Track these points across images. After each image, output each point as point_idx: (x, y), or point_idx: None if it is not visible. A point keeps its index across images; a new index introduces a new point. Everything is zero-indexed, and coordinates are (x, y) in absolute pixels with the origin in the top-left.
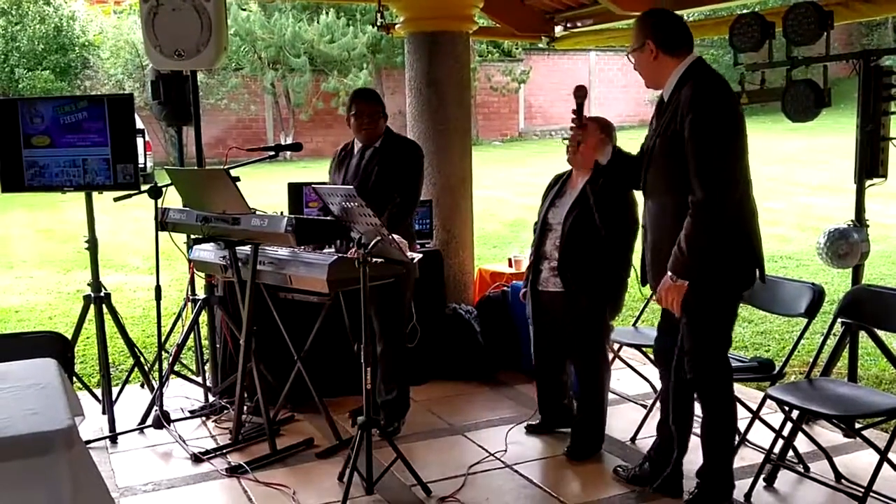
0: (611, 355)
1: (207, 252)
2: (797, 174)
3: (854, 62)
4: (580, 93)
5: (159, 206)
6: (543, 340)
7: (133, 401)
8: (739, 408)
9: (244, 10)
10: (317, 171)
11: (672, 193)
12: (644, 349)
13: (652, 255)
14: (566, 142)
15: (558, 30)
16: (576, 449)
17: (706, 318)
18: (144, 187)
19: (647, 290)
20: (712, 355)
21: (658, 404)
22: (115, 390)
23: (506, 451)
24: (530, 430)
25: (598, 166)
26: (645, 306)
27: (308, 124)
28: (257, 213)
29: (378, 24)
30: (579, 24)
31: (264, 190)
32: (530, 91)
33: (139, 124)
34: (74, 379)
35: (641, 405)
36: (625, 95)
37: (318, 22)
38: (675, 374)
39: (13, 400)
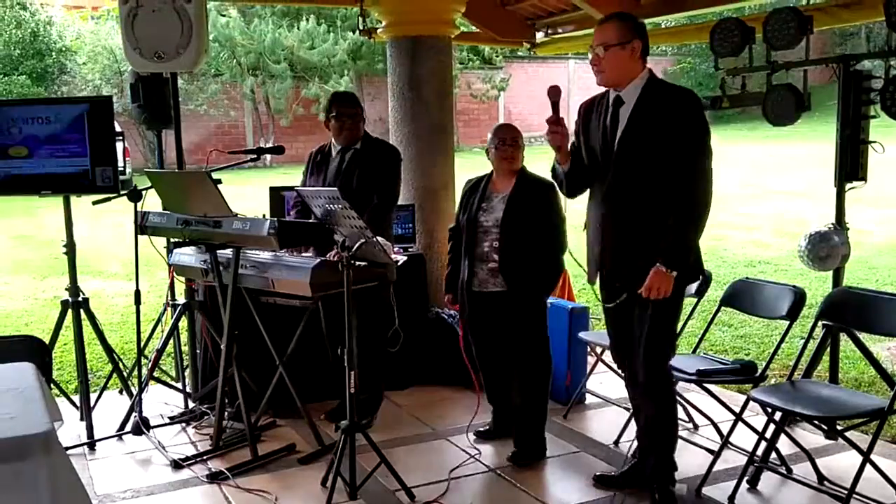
0: (593, 359)
1: (188, 256)
2: (773, 181)
3: (834, 66)
4: (555, 92)
5: (139, 209)
6: (486, 343)
7: (111, 407)
8: (722, 410)
9: (224, 15)
10: (297, 177)
11: (645, 194)
12: None
13: (620, 253)
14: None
15: (539, 35)
16: (520, 455)
17: (667, 313)
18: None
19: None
20: (667, 350)
21: None
22: (93, 396)
23: (490, 455)
24: (479, 436)
25: (522, 172)
26: None
27: (288, 130)
28: (239, 215)
29: (360, 28)
30: (560, 30)
31: (244, 196)
32: (510, 99)
33: (117, 128)
34: (52, 385)
35: (624, 408)
36: None
37: (298, 28)
38: (634, 379)
39: None
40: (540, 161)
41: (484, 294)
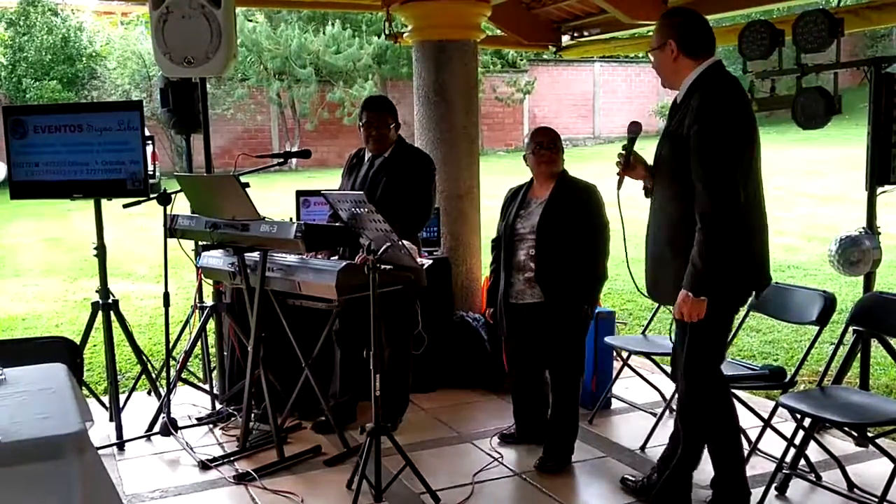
0: (619, 363)
1: (216, 259)
2: (803, 185)
3: (865, 69)
4: (633, 128)
5: (168, 212)
6: (521, 354)
7: (140, 408)
8: (751, 416)
9: (250, 21)
10: (322, 181)
11: (676, 201)
12: (653, 357)
13: (652, 263)
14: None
15: (565, 39)
16: (546, 462)
17: (702, 331)
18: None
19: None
20: (706, 368)
21: (668, 412)
22: (122, 397)
23: (515, 459)
24: (503, 439)
25: (562, 176)
26: (654, 315)
27: (313, 134)
28: (266, 219)
29: (386, 33)
30: (586, 34)
31: (271, 199)
32: (535, 102)
33: (146, 132)
34: (82, 386)
35: (650, 413)
36: (629, 106)
37: (323, 33)
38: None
39: (24, 404)
40: (565, 165)
41: (521, 306)
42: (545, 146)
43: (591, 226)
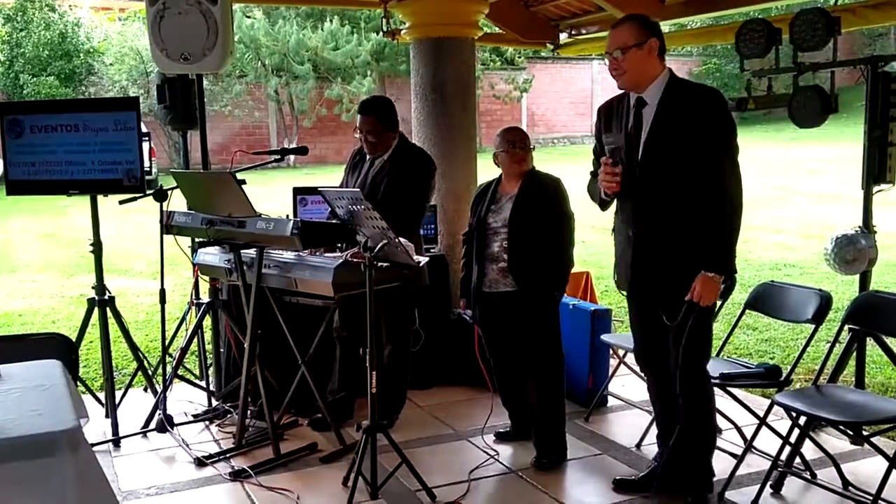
0: (616, 361)
1: (212, 255)
2: (799, 183)
3: (861, 68)
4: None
5: (164, 209)
6: (499, 344)
7: (136, 405)
8: (746, 414)
9: (248, 17)
10: (320, 178)
11: (675, 196)
12: None
13: (646, 256)
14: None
15: (563, 37)
16: (542, 456)
17: (703, 324)
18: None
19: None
20: (704, 359)
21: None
22: (118, 394)
23: (510, 456)
24: (499, 436)
25: (530, 172)
26: None
27: (311, 131)
28: (263, 216)
29: (383, 29)
30: (584, 31)
31: (268, 196)
32: (533, 99)
33: (143, 129)
34: (78, 382)
35: (647, 411)
36: None
37: (322, 29)
38: (664, 380)
39: (18, 401)
40: (562, 162)
41: (494, 294)
42: (517, 145)
43: (558, 218)
